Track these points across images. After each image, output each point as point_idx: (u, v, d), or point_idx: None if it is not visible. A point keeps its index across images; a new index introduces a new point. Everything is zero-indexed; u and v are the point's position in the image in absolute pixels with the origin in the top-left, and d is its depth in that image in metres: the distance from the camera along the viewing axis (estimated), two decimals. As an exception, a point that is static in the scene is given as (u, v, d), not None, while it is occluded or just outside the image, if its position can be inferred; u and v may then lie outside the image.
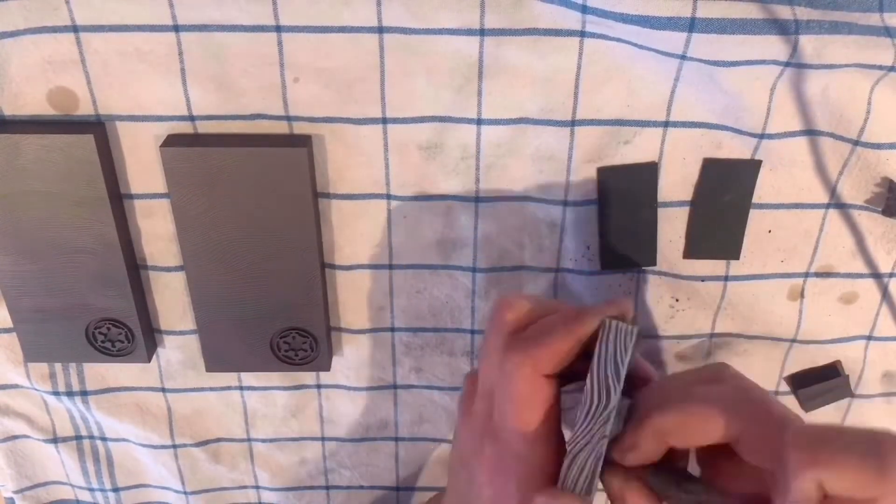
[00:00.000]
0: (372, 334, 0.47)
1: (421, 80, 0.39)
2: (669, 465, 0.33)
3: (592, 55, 0.38)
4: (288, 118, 0.40)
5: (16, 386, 0.49)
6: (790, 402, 0.49)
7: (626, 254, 0.43)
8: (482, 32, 0.37)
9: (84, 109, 0.40)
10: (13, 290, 0.43)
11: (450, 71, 0.38)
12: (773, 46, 0.37)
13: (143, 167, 0.41)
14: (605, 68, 0.38)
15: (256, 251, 0.42)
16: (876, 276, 0.45)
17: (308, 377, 0.49)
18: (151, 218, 0.43)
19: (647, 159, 0.41)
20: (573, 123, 0.40)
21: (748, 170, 0.41)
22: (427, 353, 0.48)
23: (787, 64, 0.38)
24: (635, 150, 0.41)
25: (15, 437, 0.51)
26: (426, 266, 0.45)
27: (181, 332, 0.47)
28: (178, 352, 0.47)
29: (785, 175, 0.42)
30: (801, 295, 0.45)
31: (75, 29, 0.37)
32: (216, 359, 0.46)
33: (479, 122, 0.40)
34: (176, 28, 0.37)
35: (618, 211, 0.42)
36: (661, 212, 0.43)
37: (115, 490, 0.54)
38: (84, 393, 0.49)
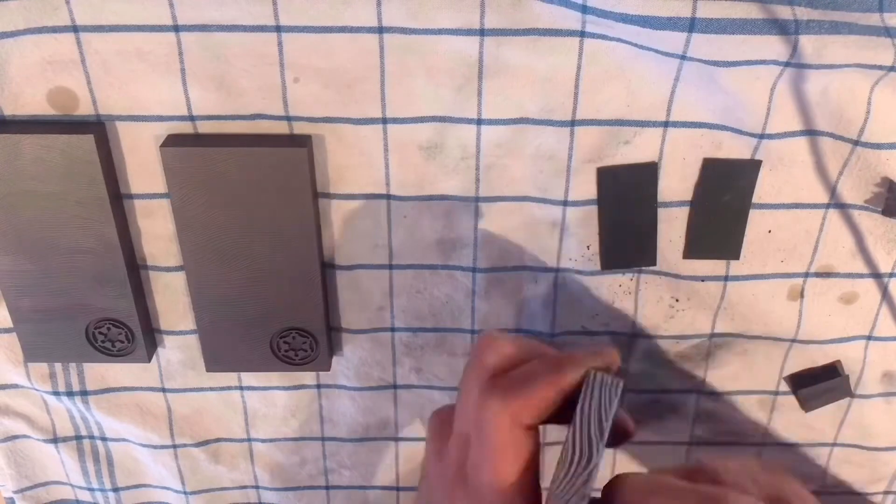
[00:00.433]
0: (372, 334, 0.47)
1: (421, 80, 0.39)
2: None
3: (592, 55, 0.38)
4: (288, 118, 0.40)
5: (16, 386, 0.49)
6: (790, 402, 0.49)
7: (626, 254, 0.44)
8: (482, 32, 0.37)
9: (84, 109, 0.40)
10: (13, 290, 0.43)
11: (450, 71, 0.38)
12: (773, 46, 0.37)
13: (143, 167, 0.41)
14: (604, 68, 0.38)
15: (256, 251, 0.42)
16: (876, 276, 0.45)
17: (308, 377, 0.49)
18: (151, 218, 0.43)
19: (646, 159, 0.41)
20: (573, 123, 0.40)
21: (748, 170, 0.41)
22: (427, 353, 0.48)
23: (787, 64, 0.38)
24: (635, 150, 0.41)
25: (15, 437, 0.51)
26: (426, 266, 0.45)
27: (181, 332, 0.47)
28: (178, 352, 0.47)
29: (785, 175, 0.42)
30: (801, 295, 0.45)
31: (75, 29, 0.37)
32: (216, 359, 0.46)
33: (479, 122, 0.40)
34: (176, 28, 0.37)
35: (618, 211, 0.42)
36: (661, 212, 0.43)
37: (115, 490, 0.54)
38: (84, 393, 0.49)
